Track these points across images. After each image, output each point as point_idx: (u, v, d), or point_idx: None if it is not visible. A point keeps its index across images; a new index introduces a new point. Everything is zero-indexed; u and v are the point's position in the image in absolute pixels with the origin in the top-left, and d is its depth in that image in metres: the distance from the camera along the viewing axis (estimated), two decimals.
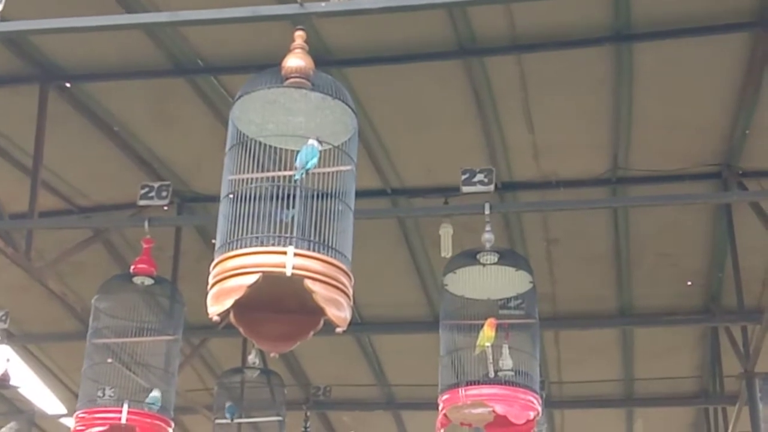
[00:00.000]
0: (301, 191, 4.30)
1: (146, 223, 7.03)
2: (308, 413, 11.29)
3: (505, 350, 6.24)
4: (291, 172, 4.35)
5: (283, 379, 10.12)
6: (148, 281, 7.05)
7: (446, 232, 8.85)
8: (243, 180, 4.35)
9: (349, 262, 4.27)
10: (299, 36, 4.58)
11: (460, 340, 6.29)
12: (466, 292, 6.45)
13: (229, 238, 4.22)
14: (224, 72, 7.87)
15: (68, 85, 8.11)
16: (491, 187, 6.67)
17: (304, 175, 4.28)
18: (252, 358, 9.95)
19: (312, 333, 4.36)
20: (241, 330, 4.33)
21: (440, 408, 6.22)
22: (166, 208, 8.09)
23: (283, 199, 4.27)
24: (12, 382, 11.36)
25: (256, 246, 4.14)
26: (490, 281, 6.39)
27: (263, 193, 4.29)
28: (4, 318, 9.23)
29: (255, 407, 9.87)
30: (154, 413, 6.85)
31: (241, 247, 4.15)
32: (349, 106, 4.50)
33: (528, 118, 8.14)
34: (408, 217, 9.31)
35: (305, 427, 10.93)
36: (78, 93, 8.21)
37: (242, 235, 4.19)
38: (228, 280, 4.10)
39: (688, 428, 13.35)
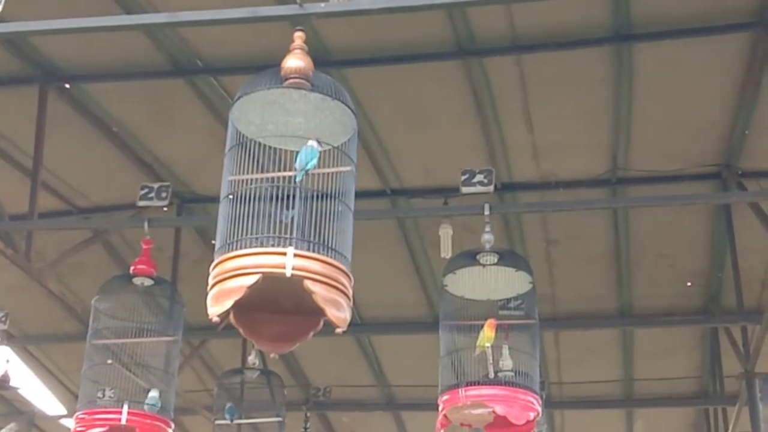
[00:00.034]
0: (300, 192, 4.30)
1: (146, 224, 7.03)
2: (308, 414, 11.29)
3: (505, 351, 6.24)
4: (291, 173, 4.35)
5: (282, 379, 10.12)
6: (148, 282, 7.05)
7: (446, 232, 8.85)
8: (243, 181, 4.35)
9: (349, 263, 4.27)
10: (299, 37, 4.59)
11: (460, 341, 6.28)
12: (465, 293, 6.45)
13: (229, 239, 4.22)
14: (224, 73, 7.87)
15: (68, 86, 8.11)
16: (491, 188, 6.68)
17: (303, 176, 4.28)
18: (252, 358, 9.95)
19: (312, 334, 4.36)
20: (240, 331, 4.33)
21: (440, 409, 6.22)
22: (165, 209, 8.09)
23: (282, 199, 4.27)
24: (12, 383, 11.35)
25: (255, 247, 4.14)
26: (489, 282, 6.39)
27: (263, 193, 4.29)
28: (3, 319, 9.23)
29: (255, 408, 9.87)
30: (154, 414, 6.85)
31: (240, 248, 4.15)
32: (349, 107, 4.50)
33: (527, 118, 8.14)
34: (408, 217, 9.31)
35: (305, 428, 10.93)
36: (77, 94, 8.21)
37: (242, 235, 4.19)
38: (228, 281, 4.10)
39: (688, 429, 13.34)
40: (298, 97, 4.47)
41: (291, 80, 4.43)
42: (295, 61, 4.46)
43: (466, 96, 7.93)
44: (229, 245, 4.20)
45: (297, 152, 4.35)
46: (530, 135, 8.34)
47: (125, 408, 6.74)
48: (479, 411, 6.14)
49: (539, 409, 6.18)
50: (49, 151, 8.20)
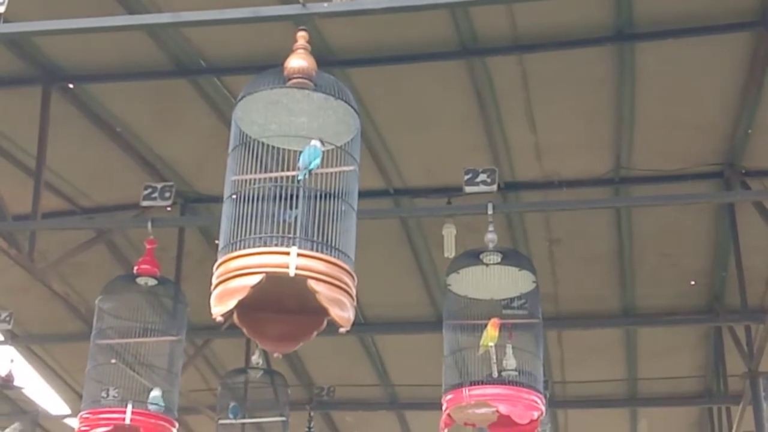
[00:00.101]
0: (304, 192, 4.31)
1: (149, 224, 7.05)
2: (311, 413, 11.27)
3: (509, 350, 6.25)
4: (294, 173, 4.37)
5: (286, 379, 10.12)
6: (152, 282, 7.06)
7: (449, 232, 8.85)
8: (246, 180, 4.36)
9: (352, 263, 4.28)
10: (302, 36, 4.60)
11: (464, 340, 6.29)
12: (469, 292, 6.45)
13: (233, 239, 4.23)
14: (227, 73, 7.88)
15: (71, 86, 8.12)
16: (494, 187, 6.68)
17: (307, 176, 4.29)
18: (255, 358, 9.95)
19: (315, 333, 4.37)
20: (244, 330, 4.34)
21: (444, 408, 6.22)
22: (169, 208, 8.12)
23: (286, 199, 4.28)
24: (16, 383, 11.41)
25: (259, 246, 4.15)
26: (493, 281, 6.40)
27: (266, 193, 4.30)
28: (7, 319, 9.25)
29: (258, 407, 9.87)
30: (158, 414, 6.86)
31: (244, 248, 4.16)
32: (352, 107, 4.51)
33: (530, 118, 8.14)
34: (411, 217, 9.31)
35: (309, 428, 10.92)
36: (80, 94, 8.21)
37: (245, 235, 4.20)
38: (231, 281, 4.11)
39: (691, 428, 13.34)
40: (302, 96, 4.48)
41: (294, 80, 4.44)
42: (298, 61, 4.47)
43: (469, 95, 7.93)
44: (232, 245, 4.21)
45: (300, 152, 4.36)
46: (533, 134, 8.34)
47: (129, 407, 6.75)
48: (483, 410, 6.14)
49: (543, 408, 6.18)
50: (52, 151, 8.21)
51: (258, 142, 4.49)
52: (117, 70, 7.93)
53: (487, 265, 6.39)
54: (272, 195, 4.29)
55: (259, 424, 9.85)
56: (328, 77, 4.55)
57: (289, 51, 4.54)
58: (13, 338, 11.27)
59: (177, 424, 7.06)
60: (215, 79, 7.96)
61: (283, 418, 9.66)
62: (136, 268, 7.06)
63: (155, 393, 6.90)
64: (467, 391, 6.07)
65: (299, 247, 4.10)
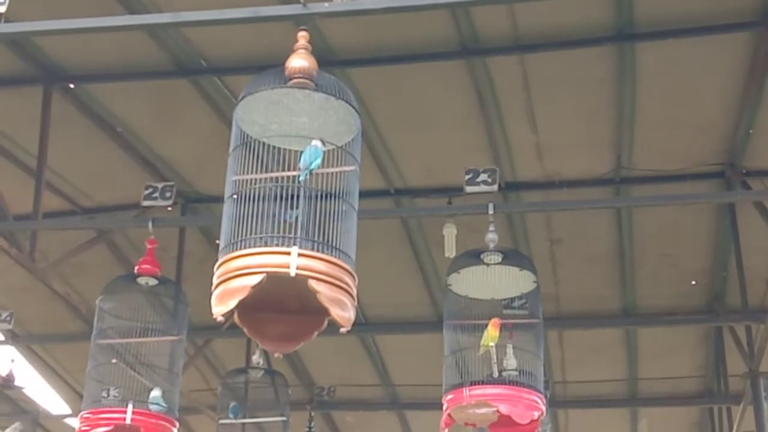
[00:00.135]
0: (304, 192, 4.31)
1: (150, 224, 7.05)
2: (312, 413, 11.28)
3: (509, 350, 6.25)
4: (295, 173, 4.37)
5: (287, 379, 10.12)
6: (153, 282, 7.06)
7: (450, 232, 8.85)
8: (247, 180, 4.36)
9: (353, 263, 4.28)
10: (302, 36, 4.60)
11: (464, 340, 6.29)
12: (470, 292, 6.45)
13: (233, 239, 4.23)
14: (227, 73, 7.88)
15: (72, 86, 8.12)
16: (495, 187, 6.69)
17: (307, 176, 4.29)
18: (256, 358, 9.95)
19: (316, 333, 4.37)
20: (245, 330, 4.34)
21: (444, 408, 6.22)
22: (169, 208, 8.12)
23: (286, 199, 4.28)
24: (16, 383, 11.41)
25: (260, 246, 4.15)
26: (494, 281, 6.40)
27: (267, 193, 4.30)
28: (8, 319, 9.25)
29: (259, 407, 9.87)
30: (159, 413, 6.86)
31: (245, 248, 4.16)
32: (353, 107, 4.51)
33: (531, 118, 8.14)
34: (411, 217, 9.31)
35: (309, 427, 10.93)
36: (81, 94, 8.22)
37: (246, 235, 4.20)
38: (232, 281, 4.11)
39: (692, 428, 13.34)
40: (302, 96, 4.48)
41: (295, 80, 4.45)
42: (299, 61, 4.47)
43: (470, 95, 7.93)
44: (233, 245, 4.21)
45: (301, 152, 4.36)
46: (534, 134, 8.34)
47: (130, 407, 6.75)
48: (483, 410, 6.14)
49: (543, 408, 6.18)
50: (53, 152, 8.21)
51: (259, 142, 4.49)
52: (117, 70, 7.93)
53: (487, 265, 6.39)
54: (273, 195, 4.29)
55: (260, 424, 9.85)
56: (328, 77, 4.55)
57: (289, 51, 4.54)
58: (13, 338, 11.27)
59: (177, 424, 7.06)
60: (216, 79, 7.96)
61: (284, 418, 9.66)
62: (136, 268, 7.07)
63: (155, 393, 6.90)
64: (468, 391, 6.07)
65: (300, 247, 4.11)
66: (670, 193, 8.58)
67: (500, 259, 6.38)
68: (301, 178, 4.30)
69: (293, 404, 10.18)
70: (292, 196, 4.29)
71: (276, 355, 4.63)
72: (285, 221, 4.23)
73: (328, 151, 4.41)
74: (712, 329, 10.96)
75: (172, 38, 7.52)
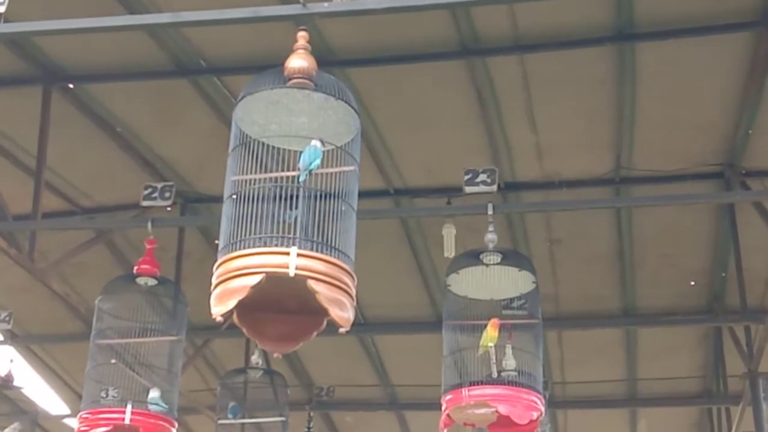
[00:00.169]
0: (304, 192, 4.31)
1: (149, 224, 7.05)
2: (311, 414, 11.28)
3: (509, 350, 6.24)
4: (294, 173, 4.36)
5: (286, 379, 10.12)
6: (152, 282, 7.06)
7: (449, 232, 8.85)
8: (246, 181, 4.36)
9: (352, 263, 4.28)
10: (302, 36, 4.60)
11: (464, 341, 6.29)
12: (469, 293, 6.45)
13: (233, 239, 4.23)
14: (227, 73, 7.88)
15: (71, 86, 8.12)
16: (494, 188, 6.68)
17: (307, 176, 4.29)
18: (255, 358, 9.95)
19: (315, 333, 4.37)
20: (244, 330, 4.34)
21: (443, 408, 6.22)
22: (169, 208, 8.11)
23: (286, 199, 4.28)
24: (15, 383, 11.40)
25: (259, 247, 4.15)
26: (493, 281, 6.40)
27: (266, 193, 4.30)
28: (7, 319, 9.24)
29: (258, 408, 9.87)
30: (158, 414, 6.86)
31: (244, 248, 4.16)
32: (352, 107, 4.51)
33: (531, 118, 8.14)
34: (411, 217, 9.31)
35: (308, 428, 10.93)
36: (81, 94, 8.21)
37: (245, 235, 4.20)
38: (231, 281, 4.11)
39: (691, 428, 13.34)
40: (302, 96, 4.48)
41: (294, 80, 4.44)
42: (298, 61, 4.47)
43: (470, 96, 7.93)
44: (232, 245, 4.21)
45: (300, 152, 4.36)
46: (533, 134, 8.34)
47: (129, 407, 6.75)
48: (482, 411, 6.14)
49: (542, 408, 6.18)
50: (52, 152, 8.21)
51: (258, 142, 4.49)
52: (117, 70, 7.93)
53: (487, 265, 6.38)
54: (272, 195, 4.29)
55: (259, 424, 9.84)
56: (328, 77, 4.55)
57: (289, 51, 4.54)
58: (12, 338, 11.26)
59: (176, 424, 7.06)
60: (215, 79, 7.96)
61: (283, 419, 9.65)
62: (136, 268, 7.06)
63: (154, 393, 6.90)
64: (467, 391, 6.06)
65: (299, 248, 4.11)
66: (669, 193, 8.59)
67: (499, 260, 6.38)
68: (301, 179, 4.30)
69: (292, 404, 10.16)
70: (292, 197, 4.29)
71: (275, 355, 4.63)
72: (284, 221, 4.24)
73: (328, 151, 4.41)
74: (712, 329, 10.96)
75: (172, 38, 7.52)
